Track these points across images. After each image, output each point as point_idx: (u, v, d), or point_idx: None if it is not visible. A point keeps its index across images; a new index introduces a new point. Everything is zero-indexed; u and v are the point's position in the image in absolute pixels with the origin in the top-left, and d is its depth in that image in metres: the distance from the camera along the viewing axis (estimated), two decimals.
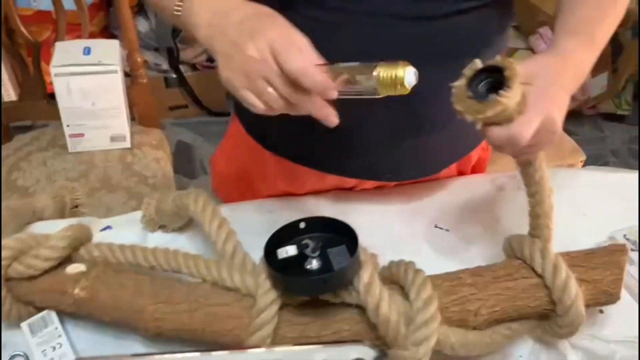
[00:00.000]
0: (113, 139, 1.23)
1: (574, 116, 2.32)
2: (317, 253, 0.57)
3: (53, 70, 1.10)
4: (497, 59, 0.54)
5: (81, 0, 1.18)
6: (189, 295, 0.59)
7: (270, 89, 0.53)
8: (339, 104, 0.68)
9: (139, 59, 1.28)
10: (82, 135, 1.20)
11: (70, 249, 0.64)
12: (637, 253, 0.73)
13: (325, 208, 0.80)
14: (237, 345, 0.57)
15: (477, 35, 0.68)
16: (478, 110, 0.54)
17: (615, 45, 2.09)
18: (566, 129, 2.19)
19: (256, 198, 0.86)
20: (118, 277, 0.62)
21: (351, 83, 0.53)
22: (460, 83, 0.55)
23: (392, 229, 0.77)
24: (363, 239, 0.74)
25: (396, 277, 0.59)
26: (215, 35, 0.55)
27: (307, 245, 0.57)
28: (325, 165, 0.79)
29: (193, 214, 0.68)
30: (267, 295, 0.57)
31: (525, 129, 0.54)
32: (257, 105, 0.54)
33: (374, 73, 0.51)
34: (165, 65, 2.03)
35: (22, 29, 1.21)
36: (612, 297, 0.59)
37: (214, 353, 0.55)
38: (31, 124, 1.74)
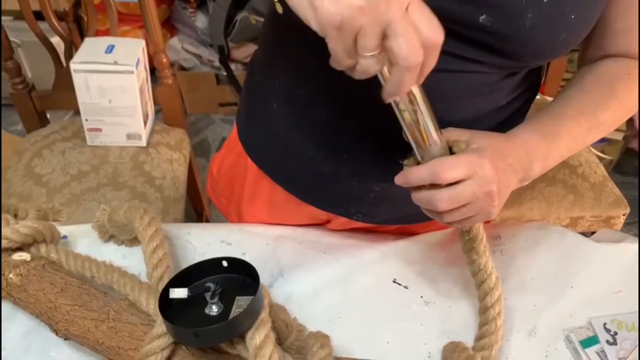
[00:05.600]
0: (129, 136, 1.24)
1: (631, 154, 2.09)
2: (216, 299, 0.53)
3: (72, 66, 1.13)
4: (450, 135, 0.56)
5: None
6: (104, 306, 0.59)
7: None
8: (325, 129, 0.67)
9: (164, 60, 1.28)
10: (99, 130, 1.23)
11: (31, 239, 0.67)
12: (614, 347, 0.63)
13: (287, 246, 0.76)
14: None
15: (458, 92, 0.62)
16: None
17: None
18: (621, 171, 1.99)
19: (236, 208, 0.85)
20: (51, 275, 0.63)
21: (412, 119, 0.52)
22: (410, 162, 0.58)
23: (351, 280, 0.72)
24: (314, 280, 0.70)
25: (306, 349, 0.54)
26: None
27: (208, 289, 0.54)
28: (300, 190, 0.75)
29: (136, 230, 0.67)
30: (163, 325, 0.54)
31: (448, 166, 0.53)
32: (343, 59, 0.44)
33: (438, 143, 0.54)
34: (218, 62, 2.05)
35: (56, 23, 1.25)
36: None
37: None
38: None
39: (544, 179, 1.23)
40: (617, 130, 1.79)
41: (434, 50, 0.46)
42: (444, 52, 0.56)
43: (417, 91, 0.51)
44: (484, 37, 0.55)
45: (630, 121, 1.75)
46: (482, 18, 0.53)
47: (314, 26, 0.43)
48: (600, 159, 1.81)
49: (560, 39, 0.55)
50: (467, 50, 0.56)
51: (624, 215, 1.24)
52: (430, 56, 0.46)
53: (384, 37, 0.43)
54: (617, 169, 1.95)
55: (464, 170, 0.53)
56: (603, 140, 1.84)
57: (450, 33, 0.55)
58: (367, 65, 0.44)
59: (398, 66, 0.44)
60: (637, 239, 0.78)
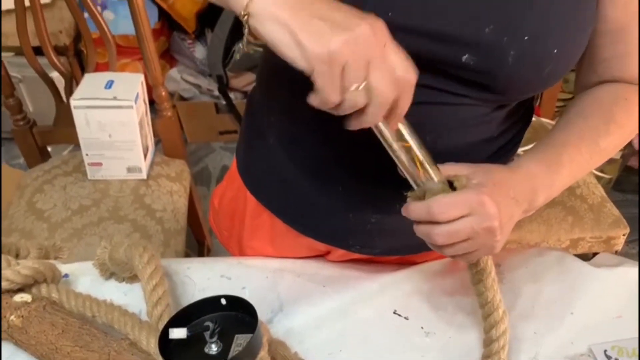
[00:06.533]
0: (129, 169, 1.26)
1: (631, 172, 2.07)
2: (215, 338, 0.53)
3: (72, 102, 1.14)
4: (449, 169, 0.57)
5: (87, 32, 1.21)
6: (105, 347, 0.60)
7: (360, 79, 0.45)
8: (319, 164, 0.68)
9: (163, 93, 1.30)
10: (100, 164, 1.24)
11: (32, 280, 0.67)
12: None
13: (286, 280, 0.76)
14: None
15: (445, 125, 0.63)
16: None
17: None
18: (621, 189, 1.98)
19: (237, 241, 0.86)
20: (52, 316, 0.64)
21: (407, 157, 0.54)
22: (413, 194, 0.58)
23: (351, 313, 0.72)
24: (314, 313, 0.71)
25: None
26: (302, 13, 0.45)
27: (207, 328, 0.54)
28: (298, 223, 0.76)
29: (135, 268, 0.68)
30: None
31: (444, 206, 0.53)
32: (331, 93, 0.45)
33: (435, 179, 0.55)
34: (217, 92, 2.08)
35: (55, 59, 1.27)
36: None
37: None
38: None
39: None
40: None
41: (407, 88, 0.48)
42: (433, 88, 0.58)
43: (405, 129, 0.52)
44: (469, 75, 0.56)
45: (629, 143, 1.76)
46: (464, 57, 0.54)
47: (302, 64, 0.45)
48: (600, 177, 1.81)
49: (545, 73, 0.56)
50: (455, 87, 0.57)
51: (623, 235, 1.24)
52: (404, 93, 0.48)
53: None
54: (616, 187, 1.95)
55: (461, 209, 0.54)
56: None
57: (436, 71, 0.56)
58: (354, 98, 0.46)
59: (374, 99, 0.46)
60: (635, 263, 0.78)
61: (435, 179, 0.55)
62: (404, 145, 0.53)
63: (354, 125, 0.50)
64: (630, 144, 1.77)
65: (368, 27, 0.45)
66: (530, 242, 1.21)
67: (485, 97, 0.59)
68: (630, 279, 0.75)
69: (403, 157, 0.54)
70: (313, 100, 0.47)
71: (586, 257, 0.83)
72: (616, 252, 1.27)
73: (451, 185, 0.56)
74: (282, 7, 0.44)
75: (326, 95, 0.45)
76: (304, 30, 0.43)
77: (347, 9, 0.46)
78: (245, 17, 0.46)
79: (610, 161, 1.83)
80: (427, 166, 0.55)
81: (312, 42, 0.43)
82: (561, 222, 1.22)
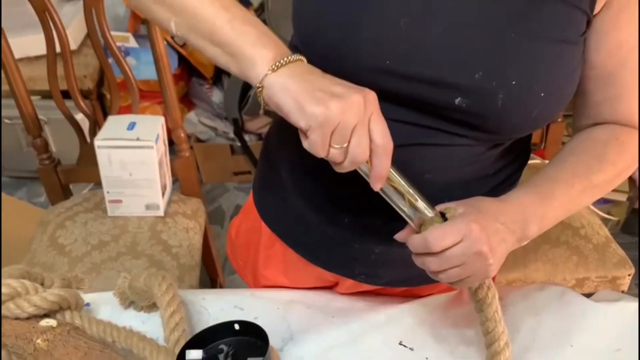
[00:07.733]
0: (148, 207, 1.31)
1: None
2: None
3: (96, 142, 1.21)
4: (441, 206, 0.61)
5: (112, 76, 1.29)
6: None
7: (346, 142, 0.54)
8: (326, 197, 0.73)
9: (182, 135, 1.36)
10: (120, 201, 1.30)
11: (58, 306, 0.71)
12: None
13: (297, 311, 0.80)
14: None
15: (441, 165, 0.67)
16: None
17: None
18: (629, 231, 1.98)
19: (252, 271, 0.90)
20: (76, 340, 0.67)
21: (398, 196, 0.59)
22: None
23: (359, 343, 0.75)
24: (323, 343, 0.74)
25: None
26: (303, 82, 0.54)
27: (221, 351, 0.58)
28: (307, 252, 0.80)
29: (154, 296, 0.72)
30: None
31: (438, 236, 0.57)
32: (320, 148, 0.54)
33: (430, 215, 0.60)
34: (232, 134, 2.15)
35: (82, 103, 1.35)
36: None
37: None
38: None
39: (547, 241, 1.26)
40: (620, 192, 1.82)
41: (384, 153, 0.55)
42: (429, 128, 0.63)
43: (393, 172, 0.57)
44: (462, 117, 0.61)
45: (632, 182, 1.79)
46: (457, 100, 0.60)
47: (302, 124, 0.53)
48: (607, 220, 1.83)
49: (534, 114, 0.61)
50: (449, 127, 0.62)
51: (629, 275, 1.26)
52: (381, 156, 0.55)
53: None
54: (625, 229, 1.97)
55: (453, 237, 0.58)
56: (608, 201, 1.87)
57: (431, 113, 0.62)
58: (335, 155, 0.55)
59: (347, 158, 0.54)
60: (634, 298, 0.81)
61: (427, 212, 0.60)
62: (393, 185, 0.58)
63: (335, 168, 0.58)
64: (634, 187, 1.79)
65: (360, 97, 0.53)
66: (536, 281, 1.23)
67: (478, 136, 0.63)
68: (629, 313, 0.78)
69: (395, 197, 0.59)
70: (304, 145, 0.55)
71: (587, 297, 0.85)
72: (622, 293, 1.28)
73: (443, 217, 0.61)
74: (290, 80, 0.54)
75: (315, 149, 0.54)
76: (307, 98, 0.52)
77: (345, 83, 0.55)
78: (260, 89, 0.55)
79: (617, 204, 1.85)
80: (419, 203, 0.59)
81: (312, 107, 0.52)
82: (566, 261, 1.24)
